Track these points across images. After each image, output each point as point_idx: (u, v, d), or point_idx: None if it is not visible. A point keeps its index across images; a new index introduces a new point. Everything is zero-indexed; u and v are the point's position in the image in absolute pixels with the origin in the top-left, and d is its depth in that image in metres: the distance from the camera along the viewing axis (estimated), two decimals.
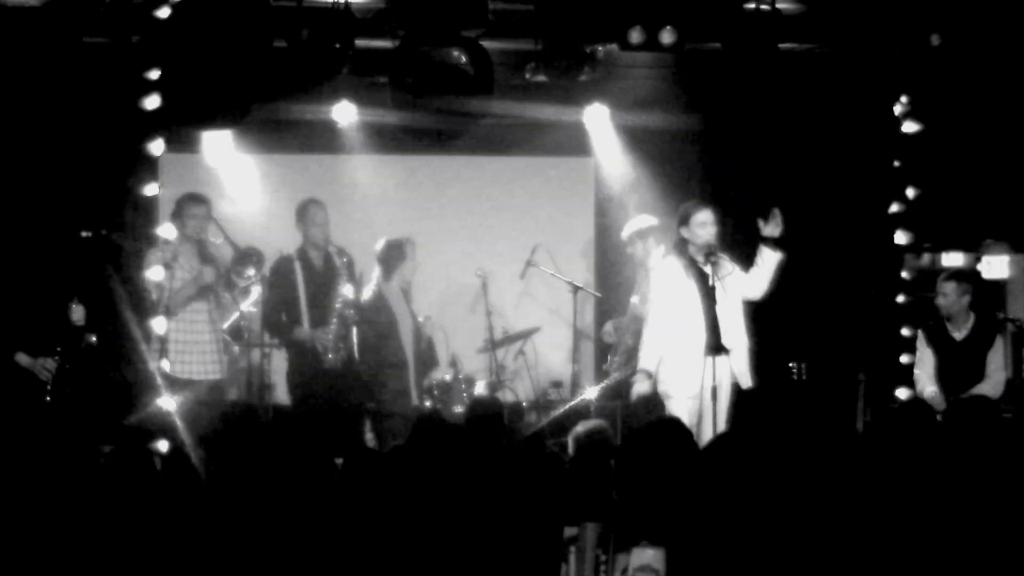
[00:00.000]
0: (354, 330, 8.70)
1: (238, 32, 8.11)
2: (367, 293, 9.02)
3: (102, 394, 7.85)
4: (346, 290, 8.56)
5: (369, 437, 9.20)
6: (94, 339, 7.83)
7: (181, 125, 8.86)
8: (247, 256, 8.27)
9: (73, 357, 7.69)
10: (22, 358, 7.64)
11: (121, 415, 7.75)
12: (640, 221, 9.03)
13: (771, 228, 7.88)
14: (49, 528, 4.82)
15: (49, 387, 7.59)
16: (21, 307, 7.67)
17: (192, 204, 8.26)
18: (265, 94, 8.49)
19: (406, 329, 9.06)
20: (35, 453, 5.33)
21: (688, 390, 7.71)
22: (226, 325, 8.67)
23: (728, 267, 7.82)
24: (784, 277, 9.73)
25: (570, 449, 6.20)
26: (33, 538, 4.79)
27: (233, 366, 8.92)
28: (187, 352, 8.14)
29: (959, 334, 8.54)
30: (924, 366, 8.64)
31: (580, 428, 6.20)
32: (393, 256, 9.11)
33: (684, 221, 7.87)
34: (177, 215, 8.27)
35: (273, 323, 8.66)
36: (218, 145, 9.92)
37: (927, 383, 8.54)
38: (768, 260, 7.89)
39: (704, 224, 7.79)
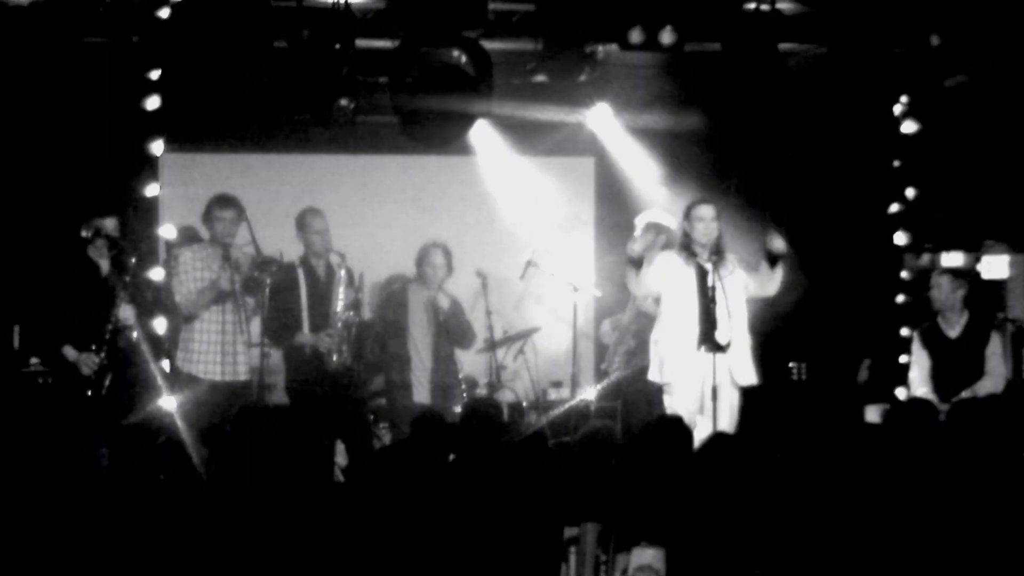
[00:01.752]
0: (370, 318, 8.67)
1: (238, 32, 8.11)
2: (390, 288, 9.03)
3: (129, 392, 7.87)
4: (347, 295, 8.55)
5: (383, 430, 9.25)
6: (135, 337, 7.83)
7: (181, 125, 8.86)
8: (266, 264, 8.25)
9: (114, 355, 7.71)
10: (69, 352, 7.65)
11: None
12: (657, 214, 9.03)
13: (774, 245, 7.89)
14: (55, 526, 4.83)
15: (91, 382, 7.61)
16: (71, 302, 7.69)
17: (220, 207, 8.22)
18: (266, 94, 8.49)
19: (421, 331, 9.04)
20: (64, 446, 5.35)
21: (687, 385, 7.70)
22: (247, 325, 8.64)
23: (730, 266, 7.84)
24: (784, 277, 9.77)
25: (575, 448, 6.19)
26: (40, 535, 4.80)
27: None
28: (211, 353, 8.15)
29: (953, 332, 8.53)
30: (918, 370, 8.63)
31: (585, 428, 6.19)
32: (418, 262, 9.11)
33: (686, 216, 7.91)
34: (206, 217, 8.25)
35: (274, 330, 8.66)
36: (219, 145, 9.91)
37: (919, 385, 8.53)
38: (770, 273, 7.94)
39: (702, 219, 7.82)
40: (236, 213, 8.22)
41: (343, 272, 8.59)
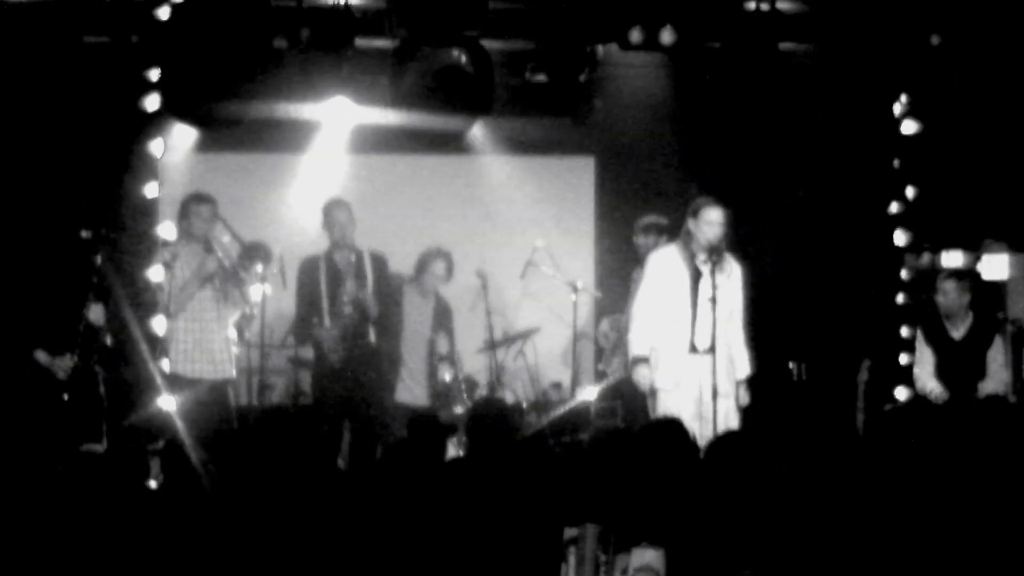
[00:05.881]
0: (369, 315, 8.66)
1: (238, 32, 8.12)
2: (387, 285, 9.06)
3: (112, 394, 7.85)
4: (350, 291, 8.55)
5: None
6: (109, 339, 7.82)
7: (181, 124, 8.87)
8: (253, 251, 8.23)
9: (89, 356, 7.69)
10: (41, 356, 7.64)
11: (126, 415, 7.76)
12: (657, 217, 9.04)
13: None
14: (51, 527, 4.83)
15: (67, 385, 7.59)
16: (40, 305, 7.67)
17: (197, 203, 8.23)
18: (265, 94, 8.49)
19: (413, 331, 9.08)
20: (45, 451, 5.33)
21: (679, 389, 7.64)
22: (231, 320, 8.65)
23: (728, 269, 7.74)
24: (784, 277, 9.77)
25: (586, 447, 6.18)
26: (34, 538, 4.79)
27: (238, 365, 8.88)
28: (197, 351, 8.13)
29: (957, 333, 8.54)
30: (924, 364, 8.64)
31: (596, 426, 6.18)
32: (419, 266, 9.17)
33: (694, 215, 7.75)
34: (183, 215, 8.24)
35: (297, 324, 8.72)
36: (217, 145, 9.91)
37: (927, 380, 8.53)
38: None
39: (711, 223, 7.65)
40: (212, 209, 8.22)
41: (352, 267, 8.59)
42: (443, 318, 9.27)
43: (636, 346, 7.79)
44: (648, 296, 7.83)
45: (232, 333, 8.36)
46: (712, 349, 7.50)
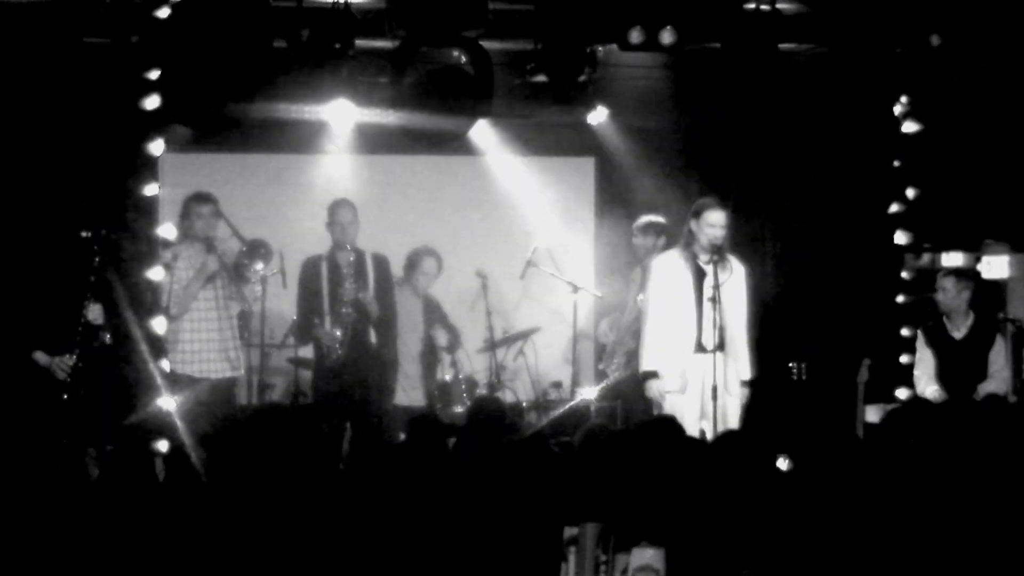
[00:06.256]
0: (369, 316, 8.66)
1: (238, 32, 8.11)
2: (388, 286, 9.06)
3: (114, 393, 7.84)
4: (349, 291, 8.55)
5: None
6: (108, 338, 7.82)
7: (181, 125, 8.86)
8: (255, 249, 8.24)
9: (89, 356, 7.69)
10: (40, 357, 7.64)
11: (129, 414, 7.76)
12: (655, 217, 9.05)
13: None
14: (53, 528, 4.83)
15: (67, 386, 7.59)
16: (38, 306, 7.67)
17: (198, 203, 8.25)
18: (265, 94, 8.48)
19: (408, 332, 9.07)
20: (48, 452, 5.33)
21: (678, 385, 7.68)
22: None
23: (730, 268, 7.78)
24: (785, 277, 9.77)
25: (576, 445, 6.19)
26: (36, 537, 4.79)
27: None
28: (204, 351, 8.13)
29: (958, 333, 8.54)
30: (924, 366, 8.64)
31: (586, 426, 6.19)
32: (408, 265, 9.16)
33: (696, 216, 7.81)
34: (185, 215, 8.26)
35: (298, 324, 8.73)
36: (217, 145, 9.91)
37: (928, 383, 8.53)
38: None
39: (714, 225, 7.73)
40: (214, 208, 8.24)
41: (352, 267, 8.59)
42: (433, 313, 9.28)
43: (647, 361, 7.84)
44: (656, 306, 7.86)
45: (235, 331, 8.36)
46: (718, 348, 7.57)
